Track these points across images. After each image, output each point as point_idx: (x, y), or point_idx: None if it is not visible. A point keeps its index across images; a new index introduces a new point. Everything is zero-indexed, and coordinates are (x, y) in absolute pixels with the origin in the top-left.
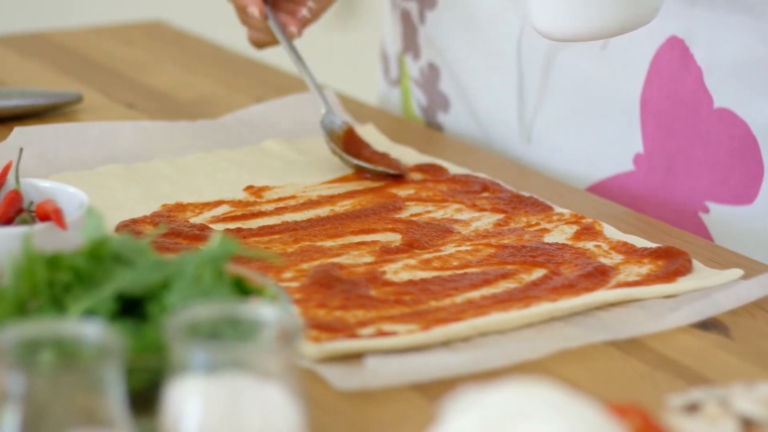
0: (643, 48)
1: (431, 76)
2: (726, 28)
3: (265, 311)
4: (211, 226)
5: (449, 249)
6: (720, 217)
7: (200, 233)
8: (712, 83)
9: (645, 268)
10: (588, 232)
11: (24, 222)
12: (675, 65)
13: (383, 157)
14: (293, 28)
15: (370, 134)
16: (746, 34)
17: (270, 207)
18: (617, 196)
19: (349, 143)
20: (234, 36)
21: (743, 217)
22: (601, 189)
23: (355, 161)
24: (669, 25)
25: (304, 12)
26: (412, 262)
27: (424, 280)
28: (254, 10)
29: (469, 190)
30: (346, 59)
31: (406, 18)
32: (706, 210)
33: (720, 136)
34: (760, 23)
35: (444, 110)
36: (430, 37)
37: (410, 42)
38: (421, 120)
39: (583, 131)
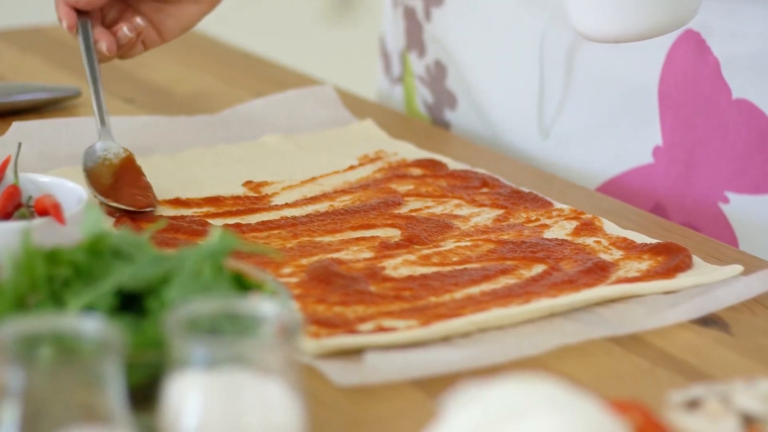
0: (659, 41)
1: (438, 73)
2: (743, 19)
3: (265, 307)
4: (210, 221)
5: (449, 245)
6: (740, 207)
7: (199, 228)
8: (729, 74)
9: (645, 264)
10: (588, 227)
11: (23, 217)
12: (691, 58)
13: (147, 189)
14: (103, 44)
15: (370, 130)
16: (763, 24)
17: (270, 203)
18: (637, 189)
19: (125, 171)
20: (233, 31)
21: (764, 206)
22: (620, 182)
23: (101, 198)
24: None
25: (124, 30)
26: (411, 257)
27: (423, 276)
28: (64, 23)
29: (469, 185)
30: (343, 55)
31: (409, 15)
32: (726, 200)
33: (739, 127)
34: None
35: (451, 108)
36: (436, 35)
37: (414, 39)
38: (426, 117)
39: (602, 125)
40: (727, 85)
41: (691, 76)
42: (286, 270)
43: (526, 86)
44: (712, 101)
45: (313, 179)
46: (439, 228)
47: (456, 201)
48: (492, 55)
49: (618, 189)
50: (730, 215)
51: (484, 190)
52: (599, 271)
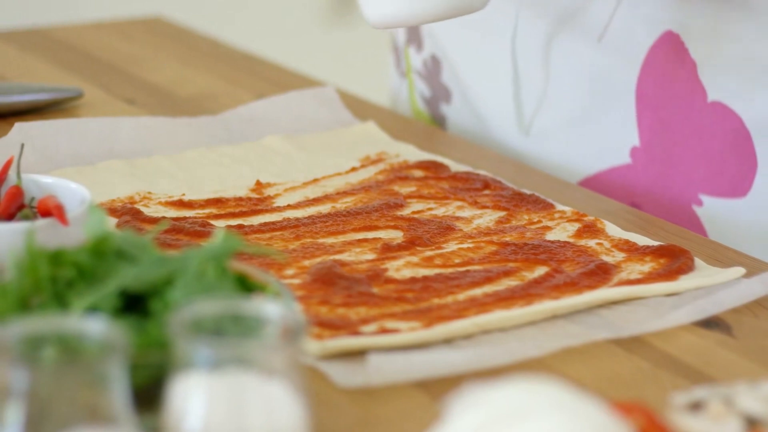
0: (639, 42)
1: (434, 67)
2: (721, 21)
3: (269, 308)
4: (213, 222)
5: (451, 246)
6: (713, 210)
7: (202, 230)
8: (705, 77)
9: (647, 266)
10: (590, 230)
11: (26, 218)
12: (670, 59)
13: None
14: None
15: (371, 131)
16: (739, 27)
17: (272, 204)
18: (615, 188)
19: None
20: (235, 32)
21: (736, 210)
22: (598, 181)
23: None
24: (665, 20)
25: None
26: (414, 259)
27: (426, 278)
28: None
29: (471, 187)
30: (345, 55)
31: None
32: (700, 203)
33: (714, 129)
34: (754, 17)
35: (447, 102)
36: (431, 29)
37: (413, 34)
38: (424, 112)
39: (581, 124)
40: (703, 87)
41: (668, 77)
42: (289, 271)
43: (503, 83)
44: (688, 103)
45: (315, 181)
46: (441, 230)
47: (458, 203)
48: (472, 51)
49: (595, 188)
50: (703, 218)
51: (486, 192)
52: (601, 273)
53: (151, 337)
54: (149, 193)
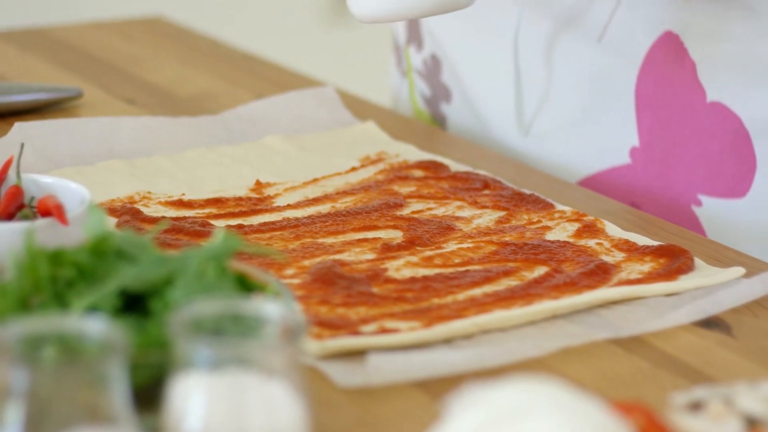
0: (638, 42)
1: (434, 67)
2: (719, 21)
3: (269, 308)
4: (212, 222)
5: (451, 246)
6: (712, 210)
7: (202, 230)
8: (705, 77)
9: (647, 266)
10: (589, 229)
11: (25, 217)
12: (669, 59)
13: None
14: None
15: (371, 131)
16: (739, 27)
17: (272, 204)
18: (614, 188)
19: None
20: (235, 32)
21: (735, 210)
22: (598, 181)
23: None
24: (664, 21)
25: None
26: (413, 259)
27: (426, 278)
28: None
29: (471, 187)
30: (346, 56)
31: None
32: (699, 203)
33: (713, 129)
34: (754, 17)
35: (447, 101)
36: (431, 28)
37: (414, 33)
38: (424, 112)
39: (581, 124)
40: (702, 87)
41: (667, 77)
42: (289, 271)
43: (503, 83)
44: (687, 103)
45: (315, 180)
46: (441, 230)
47: (458, 203)
48: (472, 50)
49: (595, 188)
50: (702, 218)
51: (486, 191)
52: (601, 273)
53: (151, 337)
54: (149, 193)
